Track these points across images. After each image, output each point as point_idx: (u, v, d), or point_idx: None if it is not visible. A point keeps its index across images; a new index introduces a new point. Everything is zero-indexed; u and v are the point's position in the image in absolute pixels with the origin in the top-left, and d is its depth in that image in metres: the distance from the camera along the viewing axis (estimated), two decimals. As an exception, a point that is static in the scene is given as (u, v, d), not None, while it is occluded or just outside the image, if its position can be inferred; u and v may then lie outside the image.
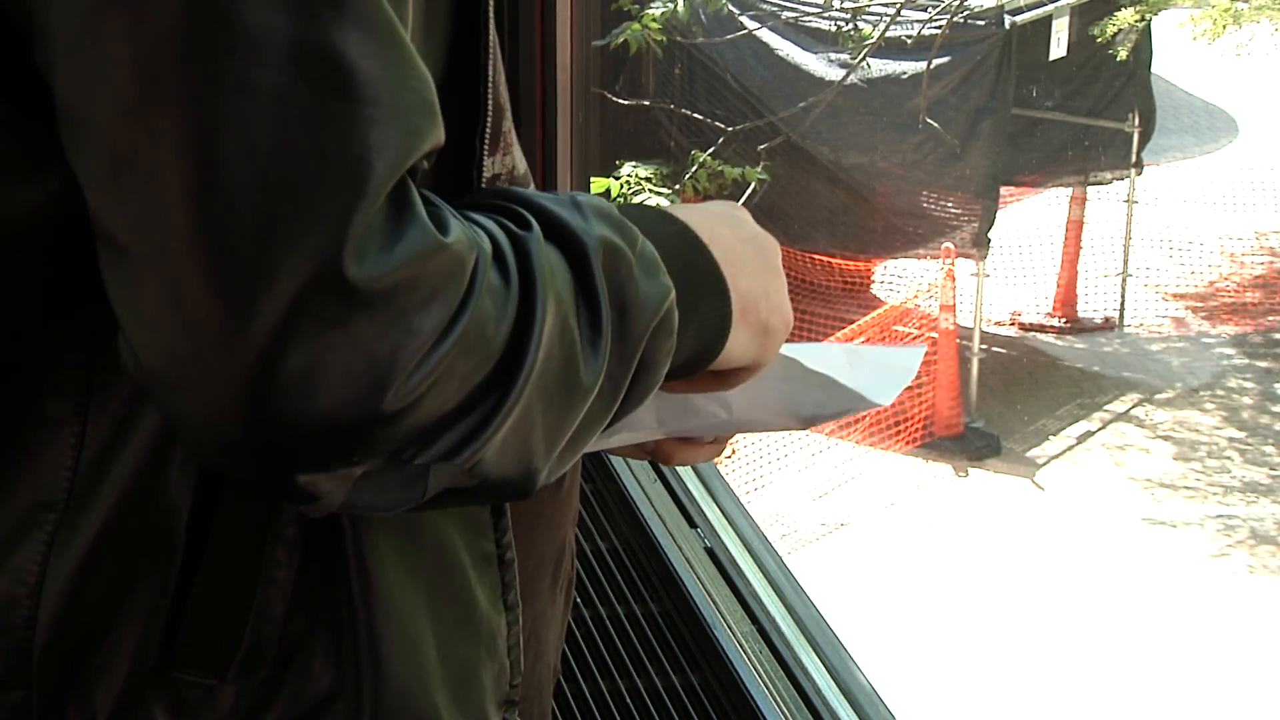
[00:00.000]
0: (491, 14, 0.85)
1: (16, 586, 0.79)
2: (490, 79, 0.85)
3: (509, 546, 0.93)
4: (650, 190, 7.29)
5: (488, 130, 0.86)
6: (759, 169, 7.76)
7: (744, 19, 8.81)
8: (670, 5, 7.33)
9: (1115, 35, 8.82)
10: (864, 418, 8.31)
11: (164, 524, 0.79)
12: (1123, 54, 8.96)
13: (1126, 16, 8.74)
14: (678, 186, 7.62)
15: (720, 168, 7.65)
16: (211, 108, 0.65)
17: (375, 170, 0.67)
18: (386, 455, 0.71)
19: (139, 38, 0.65)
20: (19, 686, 0.80)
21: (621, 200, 7.00)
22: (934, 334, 8.55)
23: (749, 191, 7.79)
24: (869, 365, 1.08)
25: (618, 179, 7.28)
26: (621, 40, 6.62)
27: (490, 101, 0.85)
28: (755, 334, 0.92)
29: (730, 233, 0.92)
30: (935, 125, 8.51)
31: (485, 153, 0.86)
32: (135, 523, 0.79)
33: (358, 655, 0.84)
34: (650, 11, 6.91)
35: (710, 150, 7.89)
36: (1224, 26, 9.03)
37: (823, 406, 1.05)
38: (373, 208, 0.67)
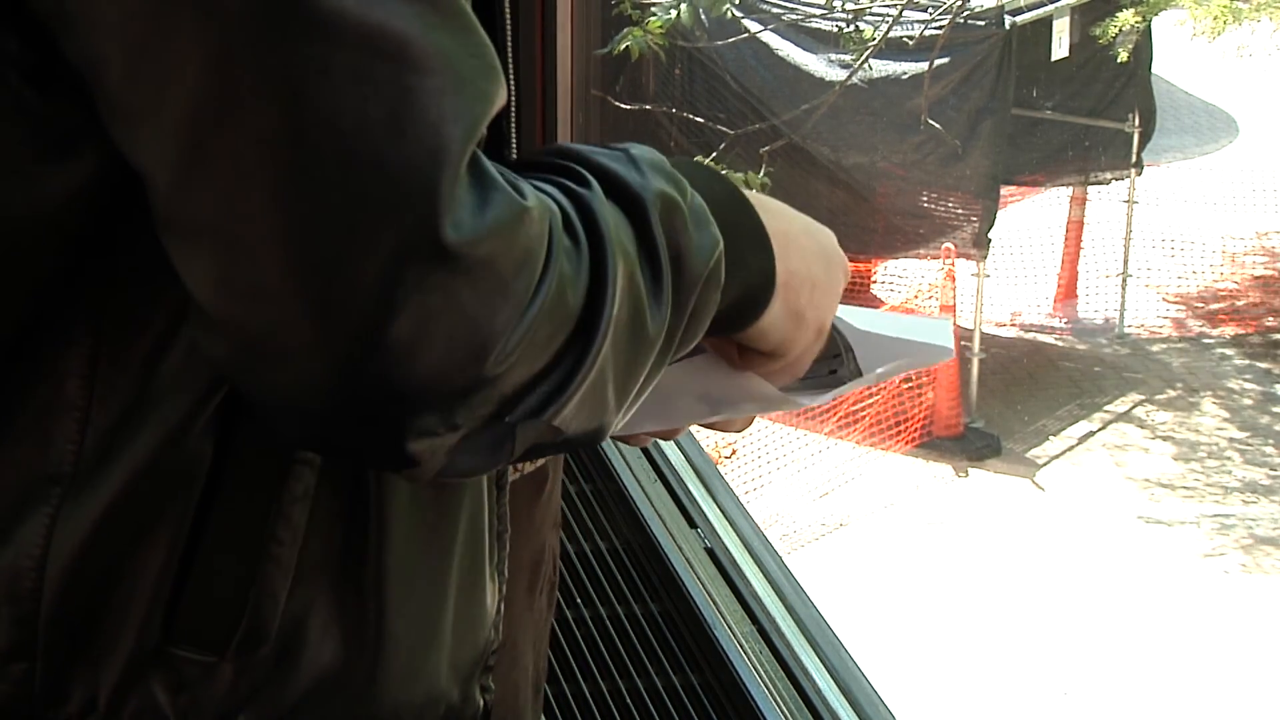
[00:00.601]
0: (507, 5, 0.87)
1: (22, 559, 0.79)
2: (510, 59, 0.87)
3: (505, 519, 0.94)
4: None
5: (514, 111, 0.88)
6: (761, 173, 7.75)
7: (746, 21, 8.81)
8: (672, 14, 7.32)
9: (1116, 36, 8.81)
10: (864, 417, 8.32)
11: (168, 503, 0.80)
12: (1123, 55, 8.96)
13: (1127, 17, 8.74)
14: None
15: (723, 171, 7.65)
16: (290, 93, 0.67)
17: (454, 138, 0.69)
18: (486, 418, 0.73)
19: (210, 30, 0.67)
20: (23, 658, 0.81)
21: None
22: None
23: (751, 194, 7.78)
24: (905, 327, 1.08)
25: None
26: (623, 47, 6.61)
27: (513, 81, 0.87)
28: (790, 315, 0.93)
29: (792, 225, 0.94)
30: (936, 125, 8.51)
31: (514, 133, 0.88)
32: (140, 500, 0.80)
33: (364, 630, 0.85)
34: (654, 19, 6.91)
35: (713, 155, 7.88)
36: (1224, 24, 9.01)
37: (884, 363, 1.04)
38: (459, 174, 0.69)
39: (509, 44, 0.87)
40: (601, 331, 0.75)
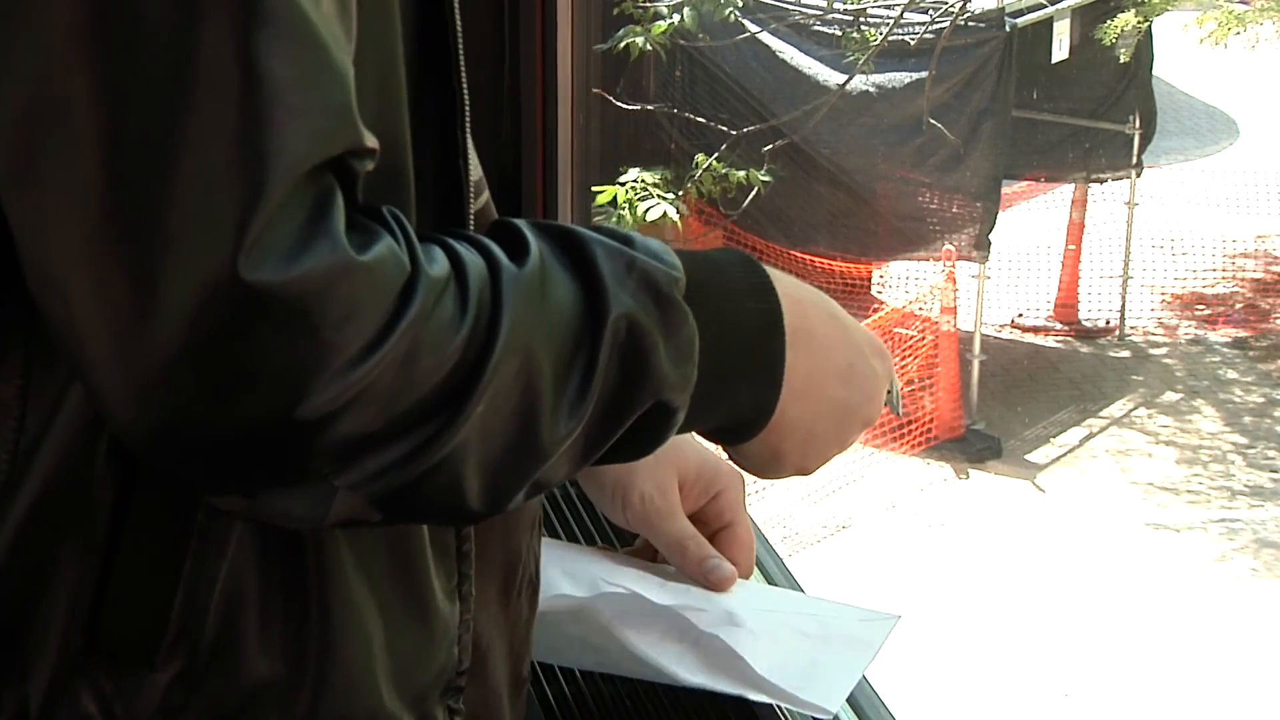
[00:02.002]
0: (456, 4, 0.84)
1: None
2: (463, 68, 0.84)
3: (468, 539, 0.92)
4: (658, 196, 7.26)
5: (468, 120, 0.84)
6: (763, 171, 7.74)
7: (746, 22, 8.80)
8: (675, 20, 7.32)
9: (1117, 39, 8.81)
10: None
11: (88, 508, 0.79)
12: (1124, 57, 8.95)
13: (1128, 18, 8.74)
14: (681, 192, 7.60)
15: (725, 170, 7.64)
16: (111, 102, 0.65)
17: (272, 171, 0.66)
18: (293, 473, 0.70)
19: (41, 31, 0.66)
20: None
21: (627, 216, 6.96)
22: (934, 336, 8.55)
23: (753, 194, 7.78)
24: (832, 636, 1.09)
25: (622, 185, 7.26)
26: (623, 45, 6.60)
27: (466, 92, 0.84)
28: (769, 451, 0.92)
29: (829, 362, 0.91)
30: (939, 126, 8.50)
31: (468, 143, 0.85)
32: (61, 505, 0.78)
33: (304, 642, 0.83)
34: (657, 24, 6.90)
35: (715, 154, 7.88)
36: (1229, 29, 9.01)
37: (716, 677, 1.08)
38: (269, 209, 0.66)
39: (459, 46, 0.83)
40: (464, 415, 0.71)
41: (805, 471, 0.95)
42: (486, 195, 0.98)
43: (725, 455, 0.98)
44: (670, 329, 0.79)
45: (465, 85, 0.83)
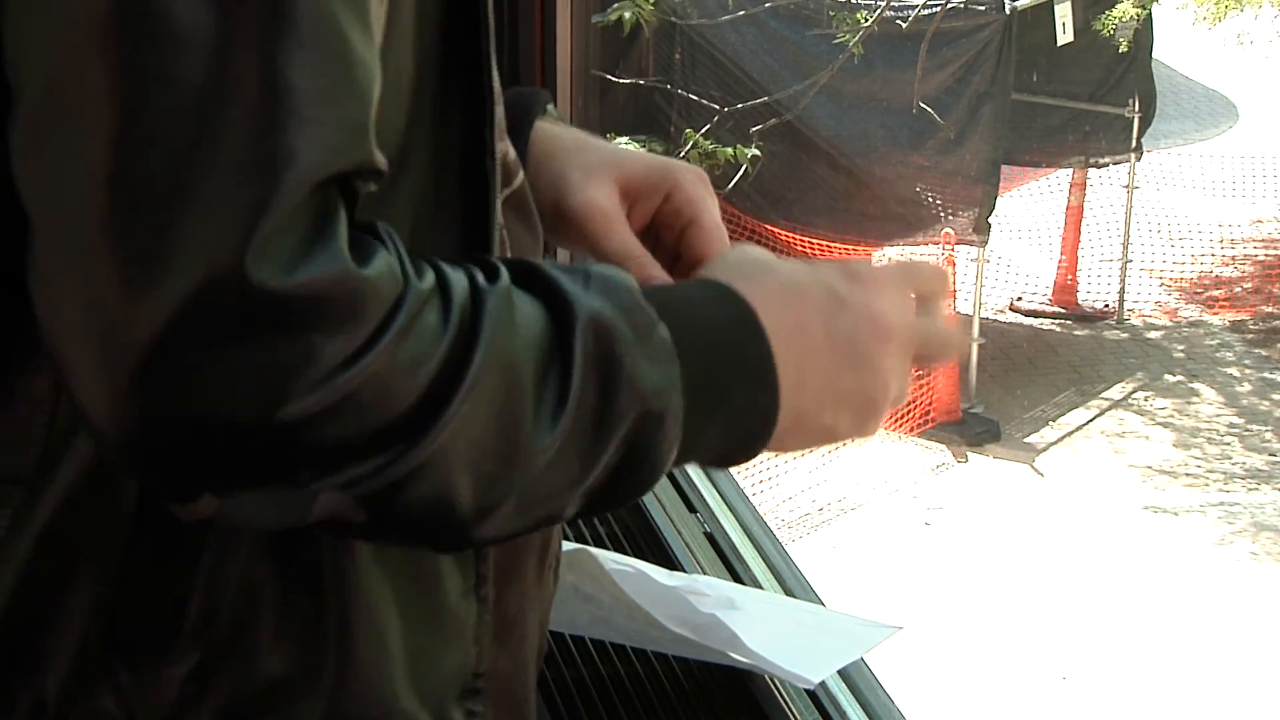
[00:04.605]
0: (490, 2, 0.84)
1: None
2: (494, 68, 0.84)
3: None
4: None
5: (496, 121, 0.84)
6: (751, 148, 7.71)
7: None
8: None
9: (1117, 28, 8.81)
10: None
11: (110, 507, 0.79)
12: (1124, 45, 8.95)
13: (1126, 8, 8.73)
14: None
15: (713, 147, 7.61)
16: (129, 95, 0.66)
17: (284, 178, 0.67)
18: (274, 474, 0.70)
19: (69, 16, 0.66)
20: None
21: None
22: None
23: (741, 172, 7.76)
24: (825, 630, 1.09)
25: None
26: (615, 18, 6.59)
27: (496, 92, 0.84)
28: (802, 436, 0.88)
29: (823, 329, 0.87)
30: (931, 112, 8.49)
31: (496, 142, 0.85)
32: (85, 505, 0.79)
33: (321, 637, 0.83)
34: None
35: (703, 130, 7.86)
36: (1225, 9, 9.01)
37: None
38: (279, 213, 0.67)
39: (490, 46, 0.83)
40: (442, 423, 0.71)
41: (870, 427, 0.91)
42: (521, 176, 0.97)
43: None
44: (640, 330, 0.79)
45: (496, 87, 0.84)
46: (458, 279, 0.74)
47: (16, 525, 0.79)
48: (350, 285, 0.69)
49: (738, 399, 0.83)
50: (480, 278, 0.75)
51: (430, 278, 0.73)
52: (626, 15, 6.55)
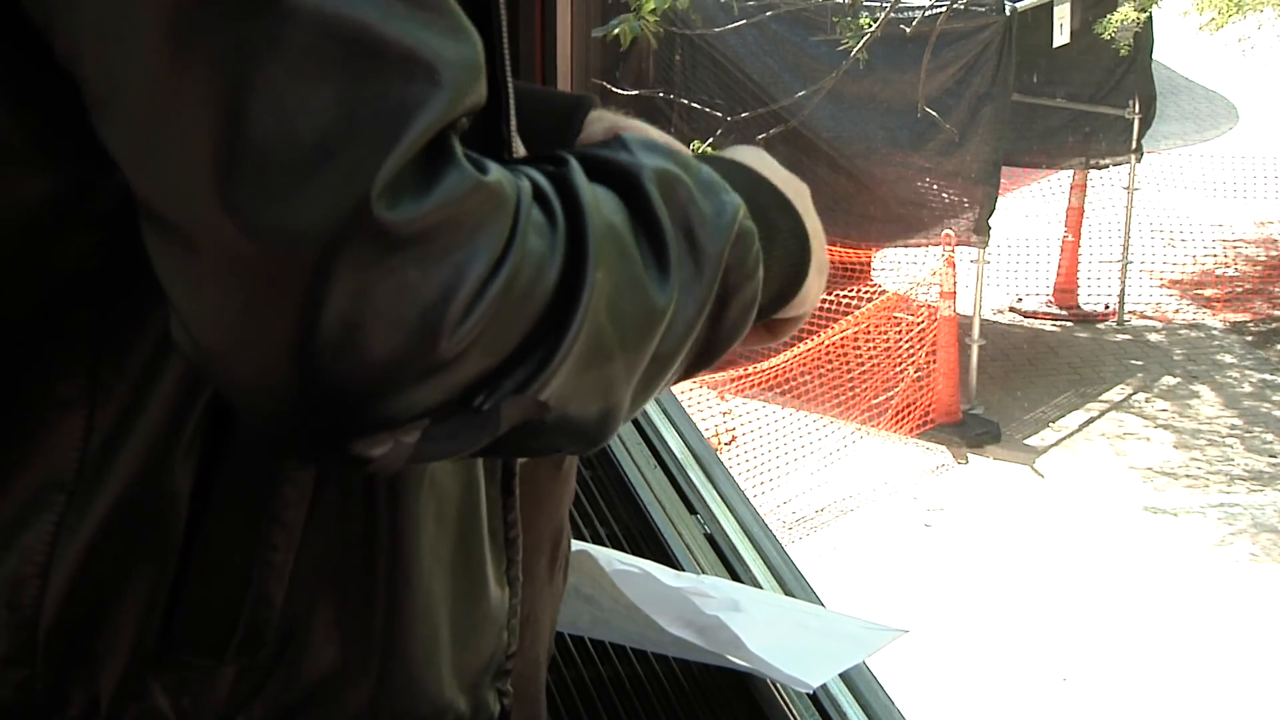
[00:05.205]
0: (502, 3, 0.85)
1: (25, 565, 0.80)
2: (507, 64, 0.86)
3: (515, 524, 0.94)
4: None
5: (512, 114, 0.86)
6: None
7: (743, 6, 8.79)
8: (665, 1, 7.29)
9: (1117, 31, 8.80)
10: (865, 404, 8.32)
11: (166, 508, 0.80)
12: (1124, 50, 8.95)
13: (1127, 11, 8.73)
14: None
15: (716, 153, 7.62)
16: (239, 67, 0.66)
17: (409, 126, 0.67)
18: (453, 402, 0.71)
19: (167, 3, 0.66)
20: (23, 665, 0.81)
21: None
22: (934, 321, 8.56)
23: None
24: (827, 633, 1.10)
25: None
26: (615, 32, 6.59)
27: (510, 84, 0.86)
28: (821, 270, 0.94)
29: (779, 174, 0.94)
30: (933, 114, 8.49)
31: (513, 136, 0.86)
32: (139, 506, 0.80)
33: (369, 634, 0.85)
34: (648, 2, 6.88)
35: (710, 140, 7.87)
36: (1228, 16, 9.00)
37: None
38: (405, 158, 0.67)
39: (504, 42, 0.85)
40: (581, 305, 0.73)
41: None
42: None
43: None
44: (692, 170, 0.82)
45: (510, 80, 0.86)
46: (535, 173, 0.76)
47: (65, 528, 0.80)
48: (482, 194, 0.70)
49: (781, 221, 0.89)
50: (550, 166, 0.78)
51: (522, 177, 0.75)
52: (629, 27, 6.54)
